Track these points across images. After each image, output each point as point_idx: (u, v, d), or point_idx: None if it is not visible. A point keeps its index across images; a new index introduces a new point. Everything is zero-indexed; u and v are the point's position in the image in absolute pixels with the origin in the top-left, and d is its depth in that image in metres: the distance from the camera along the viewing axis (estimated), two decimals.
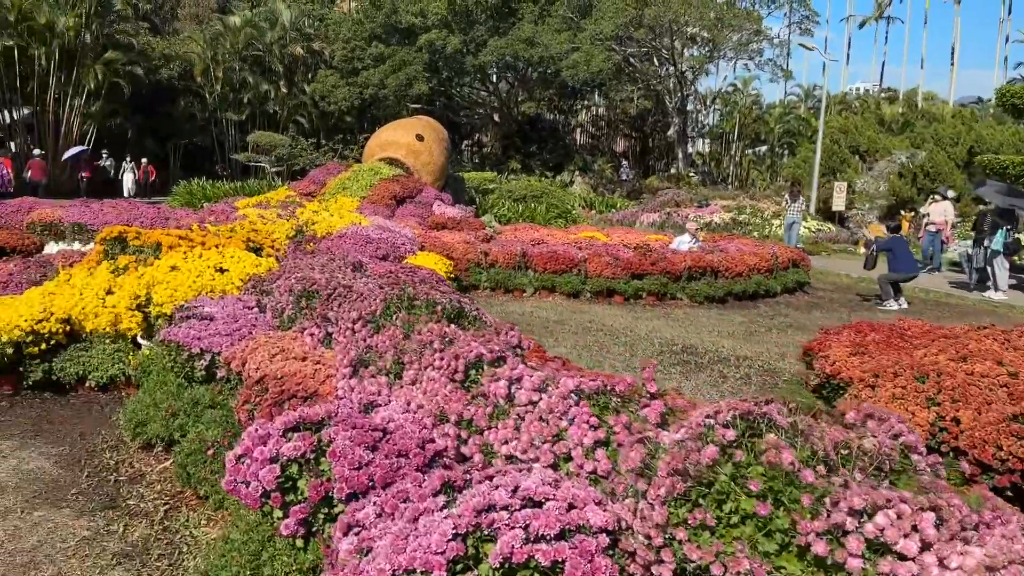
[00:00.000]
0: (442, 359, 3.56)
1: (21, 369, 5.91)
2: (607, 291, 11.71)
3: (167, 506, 4.08)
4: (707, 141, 49.30)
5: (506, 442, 3.08)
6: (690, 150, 39.73)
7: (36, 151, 27.62)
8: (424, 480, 2.77)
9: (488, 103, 43.04)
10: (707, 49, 35.19)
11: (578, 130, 50.25)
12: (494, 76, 40.58)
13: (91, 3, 30.22)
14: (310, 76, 39.36)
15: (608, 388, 3.14)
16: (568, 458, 2.90)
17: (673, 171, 41.89)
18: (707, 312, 11.26)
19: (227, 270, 6.86)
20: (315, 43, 39.37)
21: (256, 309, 5.65)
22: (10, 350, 5.76)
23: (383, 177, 20.03)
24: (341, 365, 3.74)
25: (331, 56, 38.23)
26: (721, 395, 6.60)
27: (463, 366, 3.48)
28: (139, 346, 6.47)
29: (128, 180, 28.98)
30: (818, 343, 5.87)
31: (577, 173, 40.37)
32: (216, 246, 7.43)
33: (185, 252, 7.10)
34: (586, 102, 45.90)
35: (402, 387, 3.57)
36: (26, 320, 5.87)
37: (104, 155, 31.77)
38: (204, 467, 3.91)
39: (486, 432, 3.16)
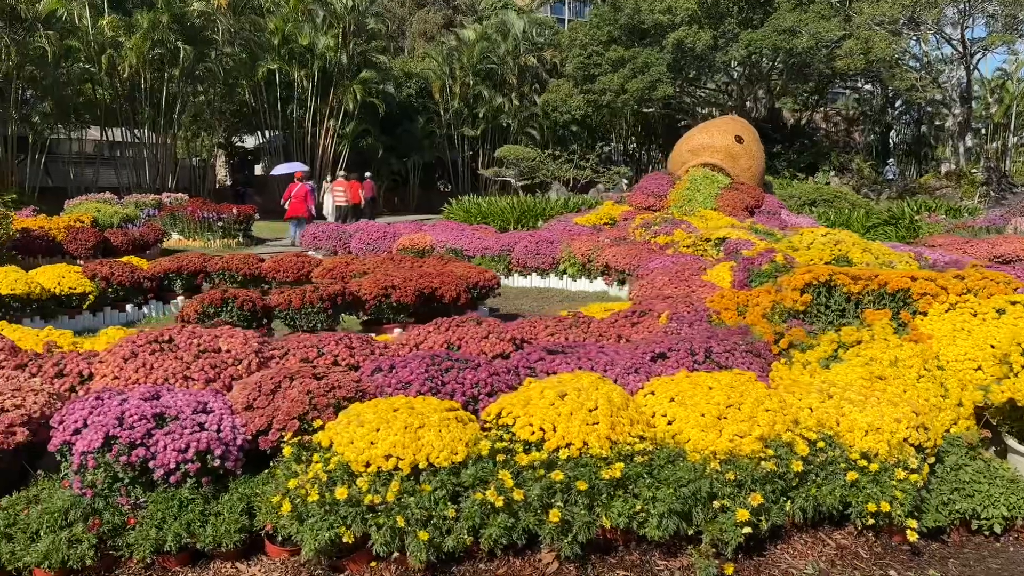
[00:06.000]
0: None
1: None
2: None
3: None
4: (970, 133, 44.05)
5: None
6: (969, 143, 34.93)
7: (355, 174, 26.36)
8: None
9: (723, 102, 39.93)
10: (1006, 27, 30.50)
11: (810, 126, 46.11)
12: (735, 72, 37.49)
13: (348, 22, 29.85)
14: (537, 87, 37.83)
15: None
16: None
17: (946, 168, 37.23)
18: None
19: None
20: (546, 52, 37.85)
21: None
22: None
23: (722, 186, 17.62)
24: None
25: (562, 64, 36.50)
26: None
27: None
28: (1002, 454, 4.14)
29: (328, 202, 23.87)
30: None
31: (832, 173, 36.65)
32: (966, 292, 5.03)
33: (951, 307, 4.75)
34: (828, 95, 41.84)
35: None
36: (907, 427, 3.63)
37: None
38: None
39: None
